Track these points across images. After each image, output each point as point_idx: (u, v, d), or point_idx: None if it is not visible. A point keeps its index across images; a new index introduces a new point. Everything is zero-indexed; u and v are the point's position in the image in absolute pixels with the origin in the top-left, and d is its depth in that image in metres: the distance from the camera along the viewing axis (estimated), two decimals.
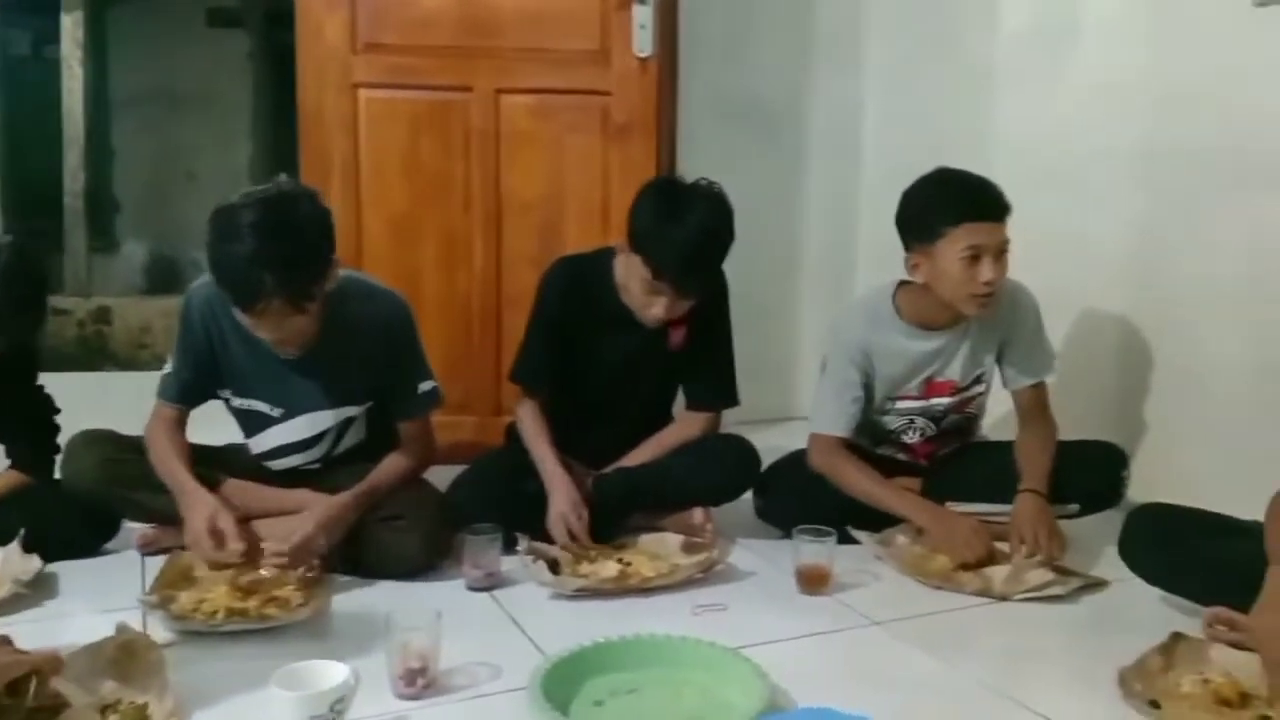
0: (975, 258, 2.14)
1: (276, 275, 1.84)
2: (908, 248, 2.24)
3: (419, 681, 1.61)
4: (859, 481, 2.29)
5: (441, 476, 2.30)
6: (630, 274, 2.22)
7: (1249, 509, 1.83)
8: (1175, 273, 2.54)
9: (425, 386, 2.22)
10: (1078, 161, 2.76)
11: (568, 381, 2.38)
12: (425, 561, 2.12)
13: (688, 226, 2.13)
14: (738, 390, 2.46)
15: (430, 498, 2.21)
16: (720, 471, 2.33)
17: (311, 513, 2.04)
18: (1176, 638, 1.75)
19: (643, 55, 2.90)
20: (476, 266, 3.01)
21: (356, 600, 2.02)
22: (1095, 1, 2.76)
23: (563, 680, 1.59)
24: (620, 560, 2.14)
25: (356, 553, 2.09)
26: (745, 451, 2.36)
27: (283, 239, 1.86)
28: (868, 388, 2.35)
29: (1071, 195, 2.76)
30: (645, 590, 2.05)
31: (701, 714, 1.58)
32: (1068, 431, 2.37)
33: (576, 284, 2.36)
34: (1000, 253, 2.16)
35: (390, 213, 2.98)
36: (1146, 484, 2.41)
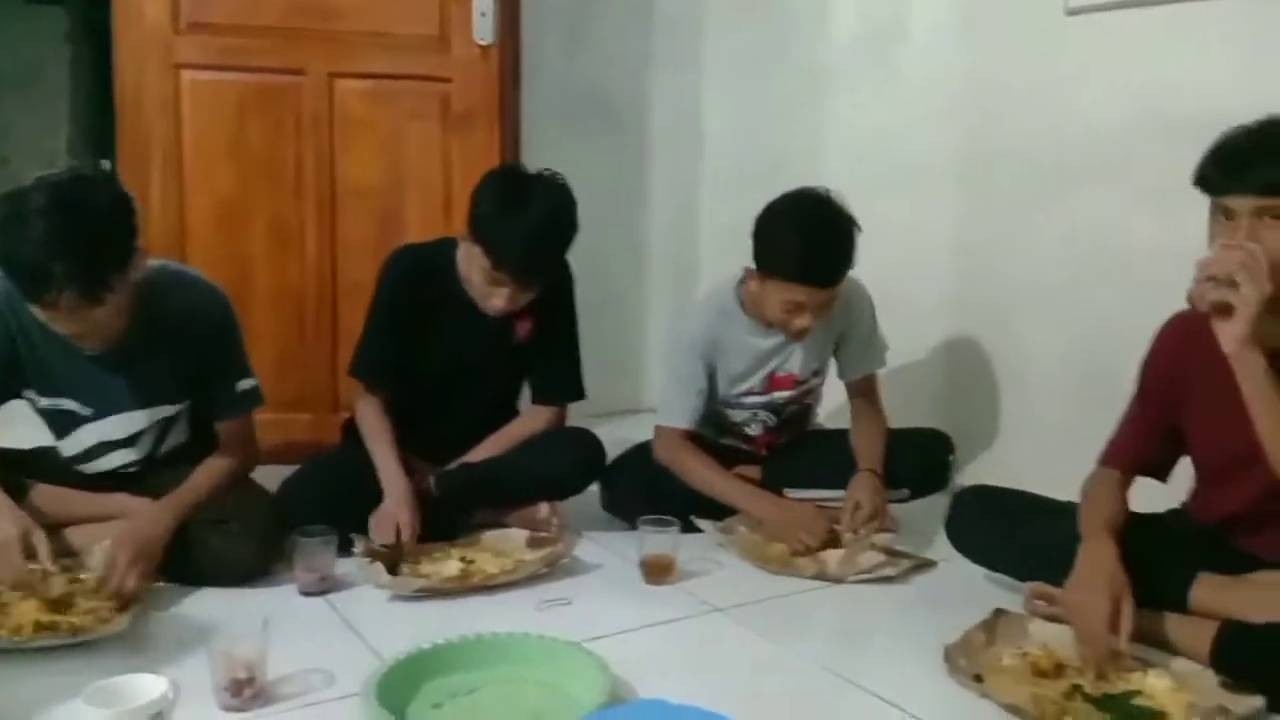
0: (794, 311, 2.20)
1: (66, 265, 1.70)
2: (753, 255, 2.26)
3: (245, 692, 1.53)
4: (701, 474, 2.31)
5: (275, 477, 2.20)
6: (472, 264, 2.18)
7: (1066, 491, 1.95)
8: (999, 270, 2.67)
9: (245, 385, 2.11)
10: (908, 161, 2.86)
11: (410, 375, 2.31)
12: (256, 566, 2.02)
13: (529, 216, 2.10)
14: (584, 383, 2.45)
15: (260, 500, 2.11)
16: (565, 465, 2.31)
17: (121, 540, 1.85)
18: (999, 614, 1.84)
19: (483, 43, 2.85)
20: (310, 255, 2.89)
21: (180, 609, 1.91)
22: (921, 6, 2.87)
23: (399, 684, 1.54)
24: (463, 558, 2.10)
25: (181, 559, 1.98)
26: (590, 444, 2.35)
27: (73, 226, 1.72)
28: (711, 380, 2.38)
29: (903, 194, 2.87)
30: (489, 588, 2.02)
31: (543, 711, 1.56)
32: (897, 420, 2.46)
33: (418, 274, 2.30)
34: (823, 308, 2.22)
35: (216, 199, 2.83)
36: (972, 469, 2.54)
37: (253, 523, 2.03)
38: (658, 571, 2.07)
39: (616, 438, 2.55)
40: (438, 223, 2.84)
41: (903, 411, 2.51)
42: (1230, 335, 1.56)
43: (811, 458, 2.45)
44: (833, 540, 2.22)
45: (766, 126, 3.30)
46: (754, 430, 2.47)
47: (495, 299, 2.17)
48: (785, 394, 2.42)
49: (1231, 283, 1.53)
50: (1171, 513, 1.95)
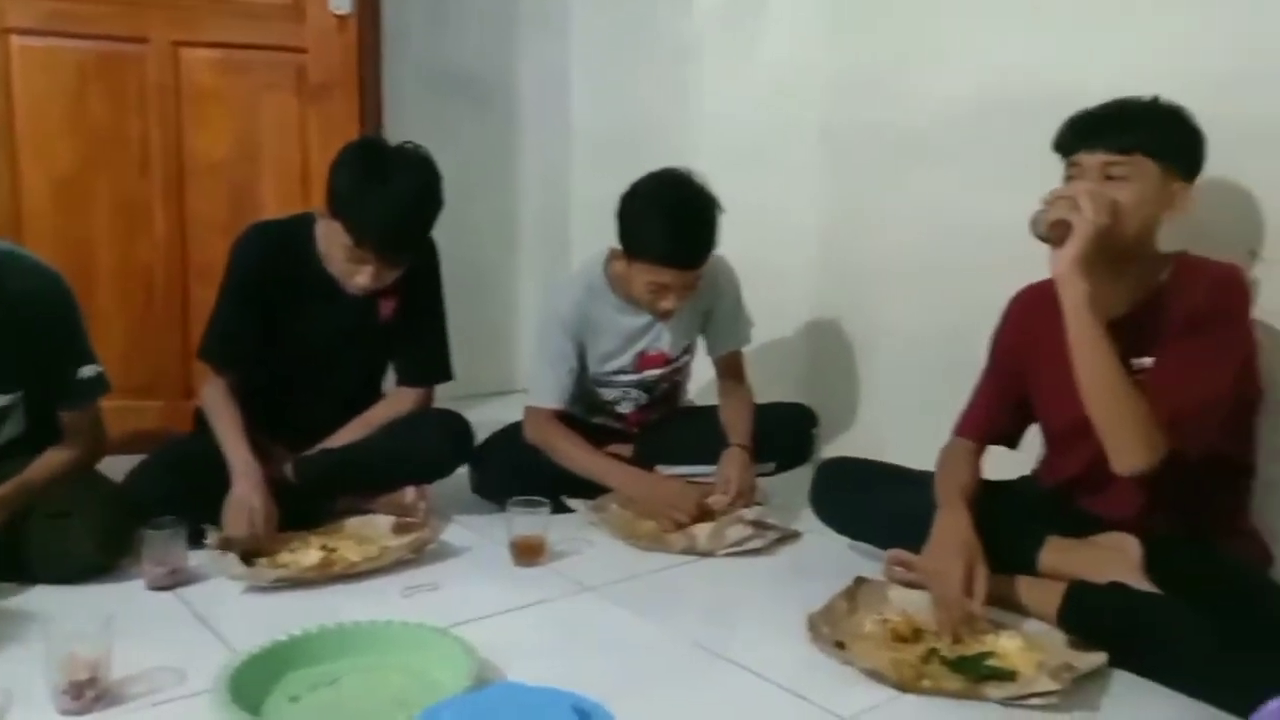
0: (661, 292, 2.21)
1: None
2: (618, 235, 2.26)
3: (87, 694, 1.45)
4: (572, 453, 2.30)
5: (125, 468, 2.08)
6: (332, 241, 2.10)
7: (925, 460, 2.01)
8: (860, 245, 2.73)
9: (87, 372, 1.99)
10: (771, 138, 2.90)
11: (268, 358, 2.22)
12: (98, 562, 1.91)
13: (392, 190, 2.03)
14: (451, 364, 2.40)
15: (103, 491, 2.00)
16: (431, 448, 2.26)
17: None
18: (860, 582, 1.89)
19: (340, 12, 2.75)
20: (158, 234, 2.75)
21: (15, 608, 1.79)
22: None
23: (254, 678, 1.48)
24: (324, 546, 2.03)
25: (12, 554, 1.85)
26: (457, 426, 2.30)
27: None
28: (582, 359, 2.36)
29: (767, 170, 2.90)
30: (352, 576, 1.96)
31: (406, 698, 1.51)
32: (763, 395, 2.49)
33: (274, 252, 2.20)
34: (687, 289, 2.23)
35: (54, 176, 2.66)
36: (836, 441, 2.59)
37: (95, 516, 1.91)
38: (528, 553, 2.05)
39: (488, 419, 2.52)
40: (295, 198, 2.74)
41: (768, 386, 2.55)
42: (1063, 256, 1.64)
43: (682, 434, 2.47)
44: (704, 515, 2.23)
45: (634, 101, 3.29)
46: (625, 408, 2.47)
47: (359, 277, 2.10)
48: (656, 372, 2.42)
49: (1075, 206, 1.63)
50: (1022, 479, 2.03)
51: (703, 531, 2.18)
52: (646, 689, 1.59)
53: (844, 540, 2.17)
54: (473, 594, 1.92)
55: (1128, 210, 1.67)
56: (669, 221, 2.17)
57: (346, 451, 2.21)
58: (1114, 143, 1.69)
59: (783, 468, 2.46)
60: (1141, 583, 1.70)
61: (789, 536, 2.23)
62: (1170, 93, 2.07)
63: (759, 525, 2.20)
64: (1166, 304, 1.73)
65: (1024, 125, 2.22)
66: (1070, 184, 1.71)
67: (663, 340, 2.39)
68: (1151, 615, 1.63)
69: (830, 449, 2.53)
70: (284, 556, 1.99)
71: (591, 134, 3.48)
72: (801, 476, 2.35)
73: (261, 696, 1.47)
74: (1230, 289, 1.70)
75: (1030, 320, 1.88)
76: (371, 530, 2.12)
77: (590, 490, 2.30)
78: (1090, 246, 1.62)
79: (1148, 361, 1.73)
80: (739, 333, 2.46)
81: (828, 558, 2.11)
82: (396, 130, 2.83)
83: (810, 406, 2.56)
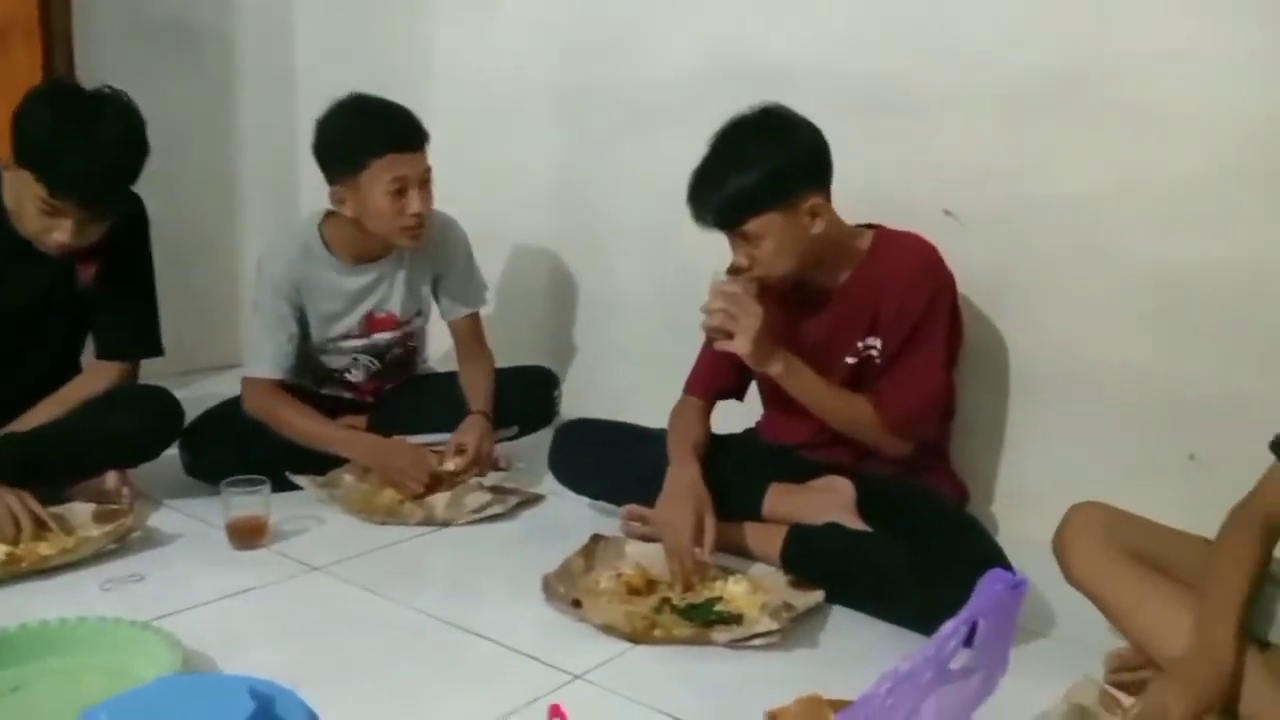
0: (401, 190, 2.10)
1: None
2: (330, 180, 2.15)
3: None
4: (296, 423, 2.18)
5: None
6: (23, 195, 1.87)
7: (660, 417, 2.04)
8: (595, 205, 2.73)
9: None
10: (509, 96, 2.84)
11: None
12: None
13: (90, 135, 1.84)
14: (160, 336, 2.20)
15: None
16: (134, 428, 2.06)
17: None
18: (596, 539, 1.90)
19: None
20: None
21: None
22: None
23: None
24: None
25: None
26: (163, 403, 2.12)
27: None
28: (303, 325, 2.24)
29: (505, 129, 2.85)
30: (44, 571, 1.77)
31: (106, 698, 1.38)
32: (504, 358, 2.45)
33: None
34: (424, 182, 2.14)
35: None
36: (578, 402, 2.59)
37: None
38: (246, 535, 1.93)
39: (209, 395, 2.35)
40: None
41: (509, 350, 2.51)
42: (741, 350, 1.76)
43: (420, 402, 2.39)
44: (446, 483, 2.17)
45: (365, 52, 3.13)
46: (356, 376, 2.35)
47: (56, 233, 1.89)
48: (387, 335, 2.32)
49: (729, 315, 1.75)
50: (747, 431, 2.11)
51: (440, 501, 2.13)
52: (379, 668, 1.53)
53: (586, 500, 2.17)
54: (184, 583, 1.78)
55: (777, 258, 1.77)
56: (382, 112, 2.14)
57: (35, 436, 1.97)
58: (723, 225, 1.79)
59: (525, 431, 2.43)
60: (855, 522, 1.81)
61: (531, 500, 2.21)
62: (870, 62, 2.21)
63: (499, 491, 2.17)
64: (874, 276, 1.84)
65: (744, 93, 2.30)
66: (713, 291, 1.77)
67: (392, 301, 2.29)
68: (861, 551, 1.74)
69: (574, 410, 2.52)
70: None
71: (318, 89, 3.26)
72: (545, 439, 2.32)
73: None
74: (932, 275, 1.83)
75: None
76: (70, 520, 1.92)
77: (318, 465, 2.19)
78: (760, 334, 1.74)
79: (876, 343, 1.84)
80: (473, 294, 2.40)
81: (570, 519, 2.10)
82: (91, 79, 2.56)
83: (551, 369, 2.55)
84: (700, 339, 2.05)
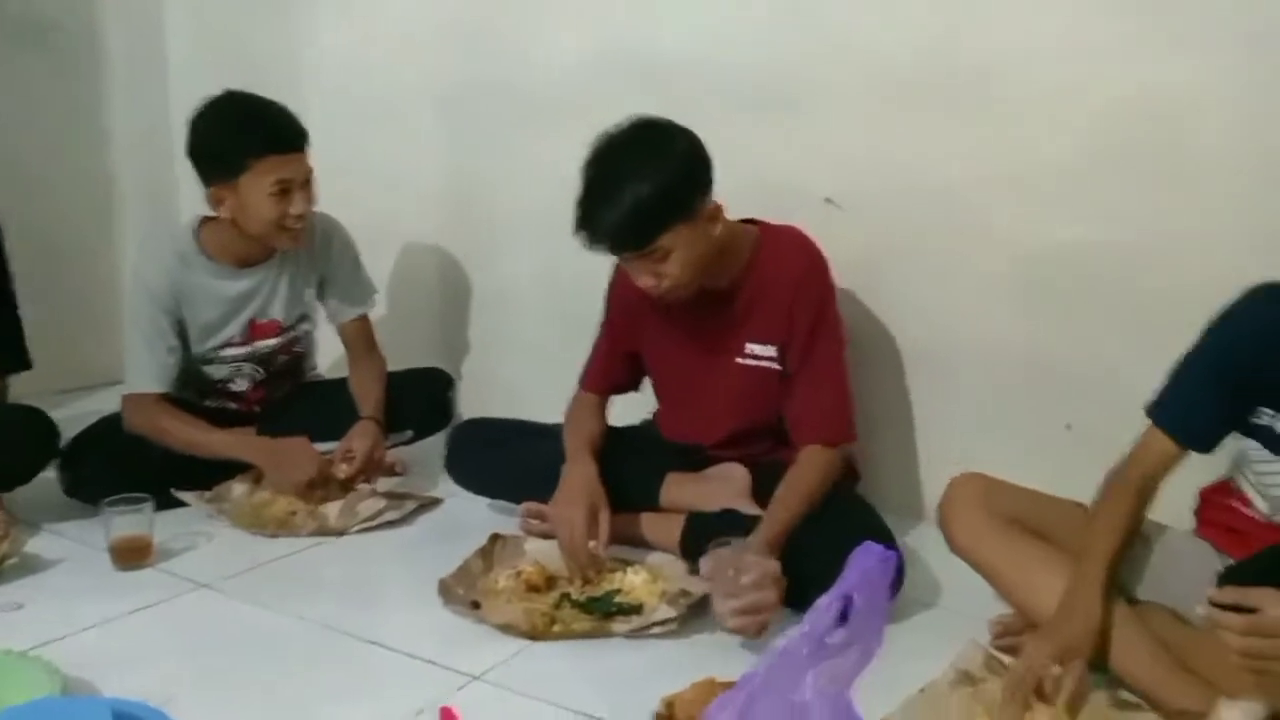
0: (284, 192, 2.05)
1: None
2: (207, 182, 2.09)
3: None
4: (182, 433, 2.11)
5: None
6: None
7: (558, 413, 2.03)
8: (484, 203, 2.70)
9: None
10: (392, 93, 2.78)
11: None
12: None
13: None
14: (26, 348, 2.12)
15: None
16: (4, 450, 1.97)
17: None
18: (495, 539, 1.88)
19: None
20: None
21: None
22: None
23: None
24: None
25: None
26: (36, 423, 2.04)
27: None
28: (183, 336, 2.17)
29: (387, 129, 2.79)
30: None
31: None
32: (398, 362, 2.41)
33: None
34: (305, 183, 2.10)
35: None
36: (477, 401, 2.57)
37: None
38: (130, 555, 1.86)
39: (90, 413, 2.26)
40: None
41: (403, 353, 2.47)
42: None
43: (310, 411, 2.31)
44: (340, 490, 2.13)
45: (241, 50, 3.04)
46: (241, 386, 2.29)
47: None
48: (271, 342, 2.26)
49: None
50: (645, 423, 2.12)
51: (333, 510, 2.08)
52: (262, 682, 1.50)
53: (485, 501, 2.15)
54: (65, 608, 1.71)
55: (685, 270, 1.72)
56: (262, 112, 2.09)
57: None
58: (632, 246, 1.72)
59: (422, 434, 2.39)
60: (751, 507, 1.83)
61: (428, 504, 2.18)
62: (755, 54, 2.23)
63: (394, 496, 2.13)
64: (762, 280, 1.85)
65: (632, 85, 2.31)
66: (733, 584, 1.55)
67: (274, 307, 2.24)
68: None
69: (473, 409, 2.50)
70: None
71: (194, 91, 3.17)
72: (443, 441, 2.29)
73: None
74: (819, 278, 1.85)
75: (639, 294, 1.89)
76: None
77: (204, 481, 2.12)
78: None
79: (770, 351, 1.85)
80: (360, 296, 2.35)
81: (469, 521, 2.08)
82: None
83: (446, 369, 2.52)
84: (593, 333, 2.06)
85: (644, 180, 1.67)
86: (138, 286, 2.15)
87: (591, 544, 1.75)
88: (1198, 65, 1.77)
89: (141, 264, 2.18)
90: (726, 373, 1.89)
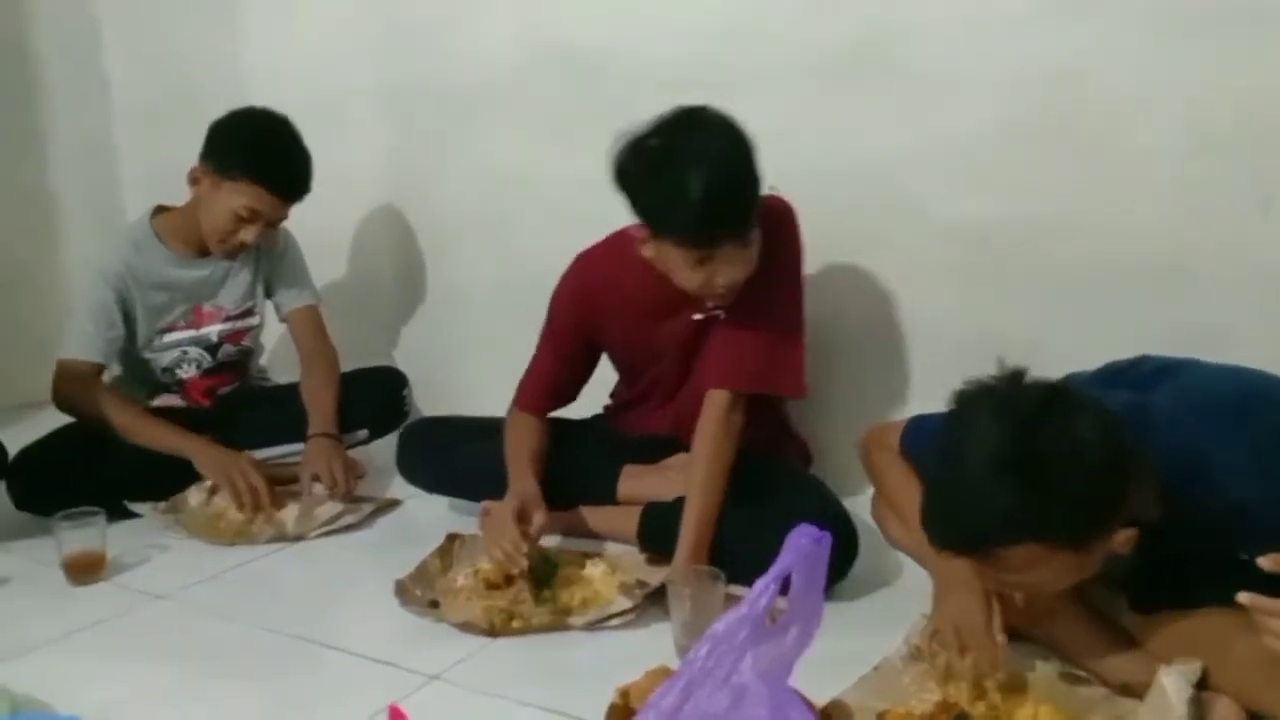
0: (249, 220, 2.12)
1: None
2: (203, 157, 2.13)
3: None
4: (121, 412, 2.11)
5: None
6: None
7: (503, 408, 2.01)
8: (432, 200, 2.69)
9: None
10: (328, 96, 2.75)
11: None
12: None
13: None
14: None
15: None
16: None
17: None
18: (453, 538, 1.88)
19: None
20: None
21: None
22: None
23: None
24: None
25: None
26: None
27: None
28: (129, 324, 2.20)
29: (329, 130, 2.74)
30: None
31: None
32: (351, 362, 2.40)
33: None
34: (270, 225, 2.17)
35: None
36: (431, 400, 2.56)
37: None
38: (83, 569, 1.84)
39: (34, 433, 2.20)
40: None
41: (355, 353, 2.46)
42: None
43: (265, 414, 2.32)
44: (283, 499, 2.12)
45: (179, 56, 3.01)
46: (187, 372, 2.29)
47: None
48: (216, 329, 2.29)
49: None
50: (596, 417, 2.11)
51: (290, 516, 2.07)
52: (219, 691, 1.49)
53: (445, 501, 2.15)
54: (17, 627, 1.69)
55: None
56: (280, 143, 2.16)
57: None
58: (739, 232, 1.62)
59: (377, 434, 2.38)
60: None
61: (386, 506, 2.17)
62: (682, 41, 2.23)
63: (352, 499, 2.12)
64: None
65: (571, 78, 2.31)
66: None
67: (221, 295, 2.29)
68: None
69: (427, 407, 2.49)
70: None
71: (134, 96, 3.14)
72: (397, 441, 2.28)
73: None
74: (776, 226, 1.77)
75: (590, 286, 1.90)
76: None
77: (157, 492, 2.11)
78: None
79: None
80: (306, 283, 2.37)
81: (427, 522, 2.07)
82: None
83: (400, 368, 2.51)
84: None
85: (741, 160, 1.60)
86: (91, 269, 2.20)
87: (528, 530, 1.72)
88: (1101, 33, 1.81)
89: (100, 253, 2.23)
90: (685, 327, 1.82)
